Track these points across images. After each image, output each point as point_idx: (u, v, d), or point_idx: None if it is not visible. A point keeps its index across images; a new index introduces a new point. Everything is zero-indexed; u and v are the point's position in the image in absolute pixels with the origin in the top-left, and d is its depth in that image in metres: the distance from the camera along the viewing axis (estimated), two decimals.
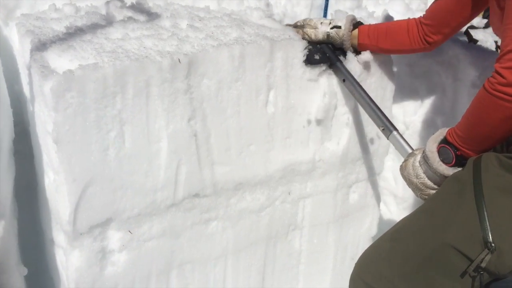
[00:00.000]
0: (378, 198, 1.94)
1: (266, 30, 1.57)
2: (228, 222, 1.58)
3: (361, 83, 1.64)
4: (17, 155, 1.54)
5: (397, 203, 2.06)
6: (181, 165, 1.41)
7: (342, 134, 1.72)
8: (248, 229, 1.64)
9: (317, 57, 1.59)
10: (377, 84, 1.74)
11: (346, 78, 1.60)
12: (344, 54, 1.65)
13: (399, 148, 1.47)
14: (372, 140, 1.79)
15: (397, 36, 1.55)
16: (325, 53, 1.62)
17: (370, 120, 1.75)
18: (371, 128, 1.76)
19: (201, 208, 1.50)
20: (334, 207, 1.81)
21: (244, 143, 1.52)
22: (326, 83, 1.63)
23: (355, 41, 1.61)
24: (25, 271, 1.43)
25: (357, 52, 1.65)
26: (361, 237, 1.94)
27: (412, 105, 1.97)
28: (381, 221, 2.01)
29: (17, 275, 1.38)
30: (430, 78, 1.94)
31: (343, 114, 1.70)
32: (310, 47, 1.58)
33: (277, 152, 1.59)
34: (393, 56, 1.75)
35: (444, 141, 1.26)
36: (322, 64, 1.59)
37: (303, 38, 1.60)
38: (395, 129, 1.50)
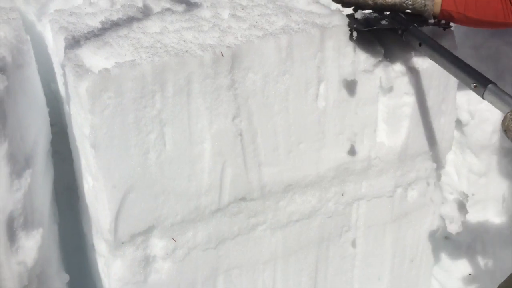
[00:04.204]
0: (439, 195, 1.78)
1: (315, 17, 1.43)
2: (277, 226, 1.48)
3: (419, 70, 1.48)
4: (56, 155, 1.50)
5: (461, 200, 1.89)
6: (226, 168, 1.31)
7: (401, 128, 1.56)
8: (298, 232, 1.53)
9: (384, 22, 1.39)
10: (440, 71, 1.56)
11: (423, 41, 1.37)
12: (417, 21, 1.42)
13: (499, 103, 1.20)
14: (434, 134, 1.63)
15: (488, 4, 1.30)
16: (394, 18, 1.40)
17: (431, 112, 1.60)
18: (433, 121, 1.60)
19: (248, 213, 1.40)
20: (391, 207, 1.67)
21: (293, 142, 1.40)
22: (382, 73, 1.48)
23: (438, 8, 1.37)
24: (67, 278, 1.38)
25: (438, 22, 1.42)
26: (421, 237, 1.79)
27: None
28: (443, 220, 1.84)
29: (58, 283, 1.34)
30: (499, 61, 1.74)
31: (401, 106, 1.55)
32: (375, 14, 1.39)
33: (329, 150, 1.46)
34: (456, 38, 1.57)
35: None
36: (385, 32, 1.39)
37: (370, 4, 1.39)
38: (491, 81, 1.23)
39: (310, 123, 1.41)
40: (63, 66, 1.19)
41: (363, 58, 1.43)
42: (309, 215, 1.52)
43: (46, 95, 1.46)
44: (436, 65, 1.56)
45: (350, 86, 1.44)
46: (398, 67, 1.53)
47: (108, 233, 1.21)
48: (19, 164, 1.09)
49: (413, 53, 1.53)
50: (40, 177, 1.25)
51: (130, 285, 1.29)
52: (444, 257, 1.94)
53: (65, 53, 1.16)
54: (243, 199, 1.38)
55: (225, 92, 1.25)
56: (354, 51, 1.41)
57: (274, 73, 1.31)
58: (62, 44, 1.20)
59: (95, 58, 1.16)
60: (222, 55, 1.21)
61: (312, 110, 1.40)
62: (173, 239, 1.32)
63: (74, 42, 1.18)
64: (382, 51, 1.48)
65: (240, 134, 1.31)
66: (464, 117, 1.83)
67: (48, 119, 1.38)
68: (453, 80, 1.63)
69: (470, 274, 1.88)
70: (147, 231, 1.27)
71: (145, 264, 1.30)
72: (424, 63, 1.55)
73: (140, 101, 1.15)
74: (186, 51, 1.19)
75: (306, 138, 1.42)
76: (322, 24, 1.38)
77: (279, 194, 1.44)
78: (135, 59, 1.14)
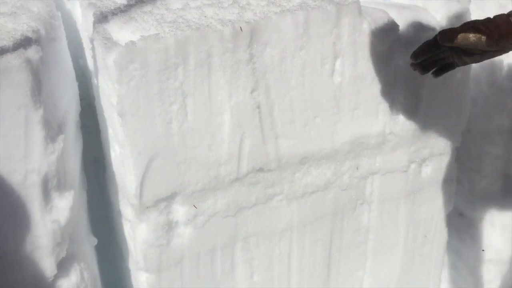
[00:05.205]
0: (453, 172, 1.81)
1: None
2: (293, 197, 1.54)
3: None
4: (84, 129, 1.58)
5: (474, 178, 1.92)
6: (244, 139, 1.37)
7: (416, 105, 1.60)
8: (313, 204, 1.58)
9: None
10: None
11: None
12: None
13: None
14: (449, 112, 1.65)
15: None
16: None
17: (446, 89, 1.63)
18: (448, 98, 1.63)
19: (265, 183, 1.46)
20: (405, 182, 1.71)
21: (309, 115, 1.45)
22: (397, 50, 1.51)
23: None
24: (95, 241, 1.47)
25: None
26: (435, 213, 1.82)
27: None
28: (456, 196, 1.87)
29: (88, 245, 1.43)
30: None
31: (417, 82, 1.58)
32: None
33: (344, 124, 1.51)
34: None
35: None
36: None
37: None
38: None
39: (325, 98, 1.46)
40: (92, 40, 1.27)
41: (379, 35, 1.47)
42: (324, 187, 1.57)
43: (75, 70, 1.54)
44: None
45: (366, 63, 1.48)
46: (414, 44, 1.56)
47: (134, 197, 1.29)
48: (53, 130, 1.17)
49: (429, 31, 1.56)
50: (71, 144, 1.33)
51: (154, 247, 1.37)
52: (457, 233, 1.98)
53: (94, 27, 1.24)
54: (260, 169, 1.44)
55: (244, 66, 1.31)
56: (370, 28, 1.45)
57: (291, 48, 1.36)
58: (91, 19, 1.27)
59: (121, 32, 1.23)
60: (241, 30, 1.27)
61: (328, 85, 1.45)
62: (194, 206, 1.39)
63: (102, 17, 1.25)
64: (398, 27, 1.51)
65: (258, 107, 1.37)
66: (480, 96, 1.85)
67: (77, 91, 1.46)
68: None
69: (483, 250, 1.91)
70: (170, 197, 1.35)
71: (168, 229, 1.38)
72: None
73: (164, 73, 1.22)
74: (207, 26, 1.25)
75: (322, 112, 1.47)
76: (338, 1, 1.41)
77: (295, 166, 1.49)
78: (159, 33, 1.21)
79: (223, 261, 1.51)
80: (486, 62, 1.79)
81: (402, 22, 1.54)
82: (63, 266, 1.23)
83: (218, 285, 1.53)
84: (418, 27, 1.57)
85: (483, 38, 1.12)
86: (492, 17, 1.15)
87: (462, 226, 1.96)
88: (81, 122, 1.58)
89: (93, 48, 1.27)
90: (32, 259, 1.15)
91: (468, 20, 1.42)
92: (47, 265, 1.17)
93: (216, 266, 1.50)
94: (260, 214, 1.51)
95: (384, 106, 1.56)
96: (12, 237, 1.12)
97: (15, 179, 1.10)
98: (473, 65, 1.68)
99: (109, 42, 1.17)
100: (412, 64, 1.31)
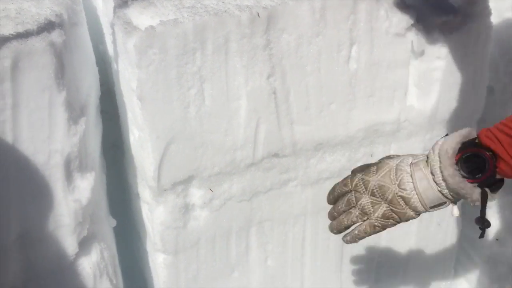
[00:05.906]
0: None
1: None
2: (307, 182, 1.55)
3: (451, 35, 1.50)
4: (103, 115, 1.61)
5: None
6: (260, 124, 1.39)
7: (431, 92, 1.60)
8: (327, 190, 1.59)
9: None
10: (473, 37, 1.58)
11: None
12: None
13: None
14: (464, 100, 1.65)
15: None
16: None
17: (462, 77, 1.62)
18: (464, 86, 1.62)
19: (280, 168, 1.48)
20: None
21: (325, 102, 1.46)
22: (414, 37, 1.51)
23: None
24: (114, 222, 1.51)
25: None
26: None
27: None
28: None
29: (107, 226, 1.47)
30: None
31: (433, 70, 1.58)
32: None
33: (359, 111, 1.52)
34: None
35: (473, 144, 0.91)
36: None
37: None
38: None
39: (341, 84, 1.46)
40: (112, 25, 1.29)
41: (396, 22, 1.46)
42: (339, 174, 1.59)
43: (94, 56, 1.57)
44: (471, 31, 1.57)
45: (382, 49, 1.48)
46: (430, 31, 1.55)
47: (152, 180, 1.32)
48: (75, 112, 1.20)
49: (445, 18, 1.55)
50: (92, 127, 1.37)
51: (171, 229, 1.40)
52: (471, 222, 1.97)
53: (115, 12, 1.26)
54: (275, 155, 1.46)
55: (261, 51, 1.32)
56: (387, 14, 1.45)
57: (307, 34, 1.37)
58: (111, 4, 1.30)
59: (141, 17, 1.26)
60: (259, 15, 1.28)
61: (344, 72, 1.46)
62: (210, 189, 1.41)
63: (122, 3, 1.28)
64: (415, 14, 1.51)
65: (274, 93, 1.38)
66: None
67: (97, 76, 1.49)
68: (486, 47, 1.64)
69: (497, 240, 1.91)
70: (187, 181, 1.38)
71: (184, 211, 1.41)
72: (458, 28, 1.57)
73: (182, 57, 1.24)
74: (225, 11, 1.27)
75: (337, 99, 1.48)
76: None
77: (310, 152, 1.51)
78: (177, 18, 1.23)
79: (238, 244, 1.54)
80: (505, 50, 1.78)
81: (419, 8, 1.54)
82: (84, 245, 1.27)
83: (233, 268, 1.56)
84: (435, 13, 1.56)
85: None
86: None
87: (476, 215, 1.96)
88: (100, 107, 1.61)
89: (113, 33, 1.30)
90: (54, 237, 1.19)
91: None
92: (69, 243, 1.21)
93: (231, 249, 1.53)
94: (274, 199, 1.53)
95: (399, 93, 1.56)
96: (36, 215, 1.16)
97: (39, 159, 1.14)
98: (491, 53, 1.67)
99: (129, 27, 1.20)
100: None
